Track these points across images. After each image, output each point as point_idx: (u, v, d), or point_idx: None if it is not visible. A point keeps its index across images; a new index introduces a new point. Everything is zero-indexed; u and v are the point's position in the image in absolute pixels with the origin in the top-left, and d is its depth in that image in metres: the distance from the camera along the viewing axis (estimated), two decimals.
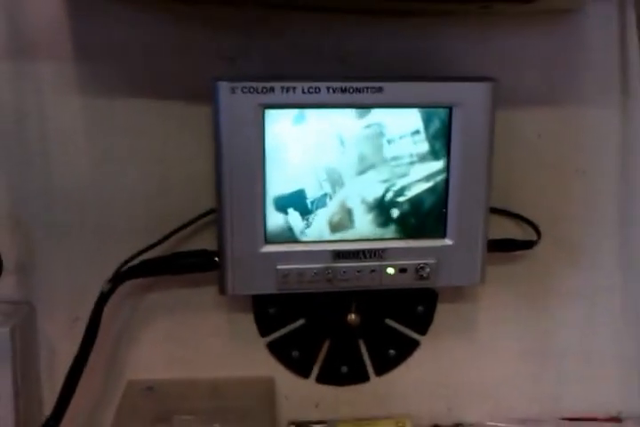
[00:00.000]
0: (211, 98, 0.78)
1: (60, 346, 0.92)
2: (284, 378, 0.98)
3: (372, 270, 0.86)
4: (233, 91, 0.78)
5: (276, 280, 0.85)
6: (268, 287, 0.85)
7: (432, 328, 0.99)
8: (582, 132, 0.96)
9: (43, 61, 0.84)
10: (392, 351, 0.99)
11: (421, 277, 0.87)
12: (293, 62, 0.86)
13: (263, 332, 0.96)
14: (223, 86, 0.78)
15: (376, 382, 1.00)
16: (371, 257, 0.86)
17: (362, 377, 1.00)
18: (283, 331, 0.96)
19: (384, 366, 1.00)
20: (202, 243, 0.89)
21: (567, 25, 0.92)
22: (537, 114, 0.94)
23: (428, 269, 0.87)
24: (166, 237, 0.87)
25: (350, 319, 0.93)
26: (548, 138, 0.95)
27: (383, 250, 0.86)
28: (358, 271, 0.86)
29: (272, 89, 0.78)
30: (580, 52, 0.93)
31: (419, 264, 0.87)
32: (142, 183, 0.89)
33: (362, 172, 0.83)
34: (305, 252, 0.85)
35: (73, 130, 0.86)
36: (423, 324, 0.99)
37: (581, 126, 0.95)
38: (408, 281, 0.87)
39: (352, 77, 0.81)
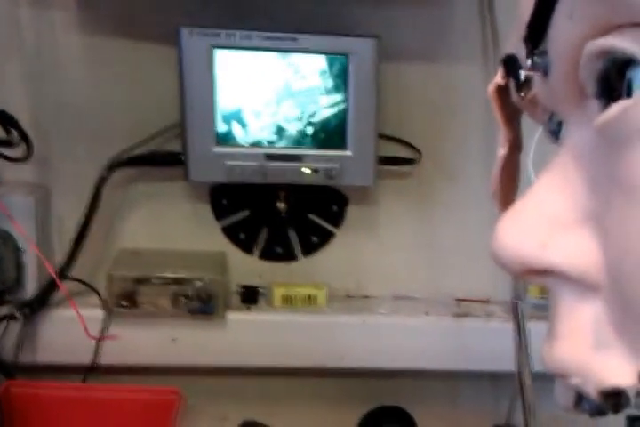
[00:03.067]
0: (177, 40, 1.12)
1: (67, 220, 1.27)
2: (235, 254, 1.33)
3: (294, 169, 1.21)
4: (191, 35, 1.13)
5: (224, 173, 1.20)
6: (219, 177, 1.20)
7: (344, 224, 1.33)
8: (453, 82, 1.28)
9: (54, 10, 1.20)
10: (314, 239, 1.34)
11: (329, 177, 1.22)
12: (237, 16, 1.20)
13: (218, 217, 1.31)
14: (185, 32, 1.12)
15: (303, 261, 1.35)
16: (293, 160, 1.20)
17: (292, 257, 1.35)
18: (233, 218, 1.31)
19: (309, 250, 1.35)
20: (171, 146, 1.24)
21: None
22: (420, 66, 1.26)
23: (333, 172, 1.22)
24: (145, 141, 1.23)
25: (279, 207, 1.28)
26: (428, 84, 1.27)
27: (301, 155, 1.20)
28: (283, 170, 1.21)
29: (219, 35, 1.13)
30: (451, 20, 1.25)
31: (327, 167, 1.22)
32: (128, 100, 1.23)
33: (284, 99, 1.18)
34: (245, 153, 1.19)
35: (76, 60, 1.22)
36: (337, 220, 1.33)
37: (453, 76, 1.27)
38: (319, 180, 1.22)
39: (276, 29, 1.14)
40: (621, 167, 0.29)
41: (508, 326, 1.24)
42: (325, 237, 1.34)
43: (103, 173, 1.22)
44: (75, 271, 1.25)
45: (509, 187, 0.41)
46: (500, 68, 0.37)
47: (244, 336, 1.29)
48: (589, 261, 0.31)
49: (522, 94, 0.35)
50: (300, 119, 1.20)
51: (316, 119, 1.20)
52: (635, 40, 0.28)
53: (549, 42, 0.31)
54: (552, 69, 0.32)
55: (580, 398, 0.32)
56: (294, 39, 1.15)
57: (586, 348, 0.31)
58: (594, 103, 0.31)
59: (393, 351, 1.31)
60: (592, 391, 0.31)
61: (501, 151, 0.40)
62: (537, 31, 0.31)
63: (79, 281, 1.25)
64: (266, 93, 1.18)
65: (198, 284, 1.24)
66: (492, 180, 0.41)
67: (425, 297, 1.37)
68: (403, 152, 1.29)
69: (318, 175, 1.22)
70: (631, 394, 0.30)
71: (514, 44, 0.35)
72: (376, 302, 1.37)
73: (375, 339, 1.31)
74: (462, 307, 1.36)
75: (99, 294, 1.25)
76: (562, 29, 0.31)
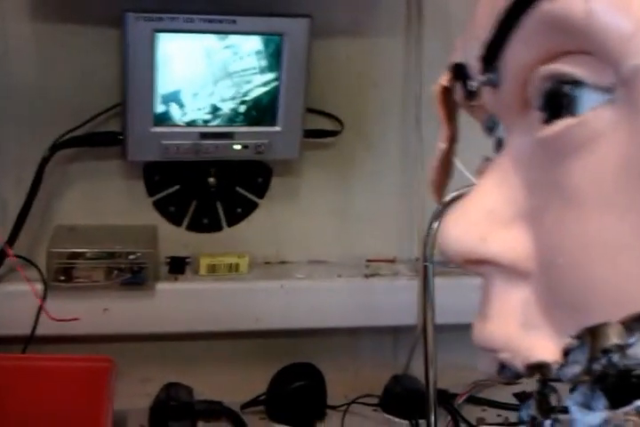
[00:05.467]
0: (122, 24, 1.16)
1: (9, 199, 1.30)
2: (165, 227, 1.39)
3: (225, 146, 1.27)
4: (136, 19, 1.16)
5: (160, 151, 1.25)
6: (156, 156, 1.26)
7: (267, 194, 1.41)
8: (377, 55, 1.36)
9: None
10: (239, 210, 1.41)
11: (258, 152, 1.29)
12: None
13: (150, 193, 1.37)
14: (129, 16, 1.16)
15: (227, 231, 1.42)
16: (225, 137, 1.27)
17: (217, 227, 1.41)
18: (164, 193, 1.37)
19: (233, 220, 1.42)
20: (111, 126, 1.29)
21: None
22: (347, 41, 1.33)
23: (262, 147, 1.29)
24: (87, 121, 1.27)
25: (210, 182, 1.35)
26: (353, 60, 1.35)
27: (233, 133, 1.27)
28: (215, 147, 1.27)
29: (161, 19, 1.17)
30: None
31: (256, 143, 1.29)
32: (72, 83, 1.27)
33: (221, 78, 1.24)
34: (181, 132, 1.25)
35: (25, 46, 1.25)
36: (261, 191, 1.41)
37: (376, 51, 1.35)
38: (249, 155, 1.29)
39: (216, 12, 1.19)
40: (561, 175, 0.33)
41: (411, 284, 1.39)
42: (249, 208, 1.42)
43: (46, 153, 1.25)
44: (15, 248, 1.28)
45: (444, 176, 0.45)
46: (447, 72, 0.41)
47: (171, 305, 1.36)
48: (521, 252, 0.35)
49: (471, 103, 0.40)
50: (234, 99, 1.26)
51: (249, 98, 1.26)
52: (582, 65, 0.32)
53: (503, 61, 0.35)
54: (502, 84, 0.35)
55: (502, 367, 0.38)
56: (234, 21, 1.20)
57: (515, 327, 0.36)
58: (536, 114, 0.35)
59: (307, 313, 1.41)
60: (519, 365, 0.35)
61: (442, 146, 0.44)
62: (494, 52, 0.35)
63: (22, 258, 1.28)
64: (204, 75, 1.24)
65: (131, 257, 1.30)
66: (430, 170, 0.45)
67: (339, 261, 1.47)
68: (327, 124, 1.37)
69: (248, 151, 1.29)
70: (554, 367, 0.34)
71: (462, 54, 0.39)
72: (293, 267, 1.46)
73: (292, 302, 1.40)
74: (371, 268, 1.47)
75: (39, 270, 1.29)
76: (516, 53, 0.34)
